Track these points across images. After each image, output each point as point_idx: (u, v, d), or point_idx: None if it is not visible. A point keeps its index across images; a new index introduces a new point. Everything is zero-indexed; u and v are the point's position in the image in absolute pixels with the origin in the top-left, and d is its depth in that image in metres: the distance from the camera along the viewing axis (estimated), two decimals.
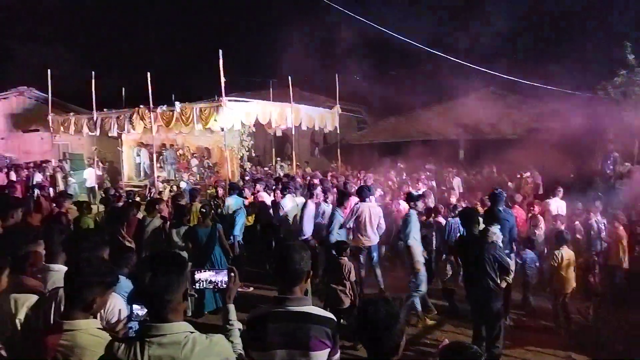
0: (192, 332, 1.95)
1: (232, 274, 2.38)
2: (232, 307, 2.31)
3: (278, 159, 18.84)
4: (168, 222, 7.02)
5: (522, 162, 12.34)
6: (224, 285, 2.34)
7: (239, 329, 2.28)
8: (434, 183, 12.30)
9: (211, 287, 2.32)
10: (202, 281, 2.32)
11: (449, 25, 26.03)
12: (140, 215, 7.66)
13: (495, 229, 5.05)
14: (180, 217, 6.83)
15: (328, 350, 2.26)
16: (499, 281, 4.83)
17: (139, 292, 1.98)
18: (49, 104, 15.92)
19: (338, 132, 16.13)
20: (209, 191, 12.20)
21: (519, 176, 11.93)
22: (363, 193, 7.15)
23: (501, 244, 5.14)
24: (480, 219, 5.25)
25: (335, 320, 2.38)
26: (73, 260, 2.28)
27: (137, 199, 10.48)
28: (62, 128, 15.57)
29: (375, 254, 7.20)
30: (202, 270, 2.36)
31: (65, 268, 3.01)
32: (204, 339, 1.95)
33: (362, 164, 17.09)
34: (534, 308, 6.62)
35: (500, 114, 17.66)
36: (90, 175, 15.62)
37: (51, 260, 3.00)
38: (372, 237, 7.07)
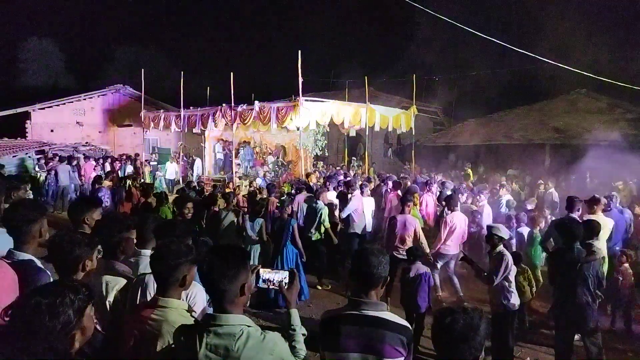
0: (249, 326, 1.99)
1: (293, 276, 2.36)
2: (294, 312, 2.28)
3: (353, 158, 18.82)
4: (242, 215, 7.23)
5: (617, 170, 11.27)
6: (285, 285, 2.33)
7: (303, 334, 2.26)
8: (516, 187, 11.58)
9: (272, 286, 2.32)
10: (266, 280, 2.33)
11: (537, 22, 24.41)
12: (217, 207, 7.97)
13: (598, 242, 4.66)
14: (256, 211, 6.95)
15: (402, 358, 2.23)
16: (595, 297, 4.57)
17: (202, 280, 2.07)
18: (142, 101, 17.20)
19: (413, 133, 15.76)
20: (283, 188, 12.45)
21: (617, 185, 10.85)
22: (452, 202, 6.95)
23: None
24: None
25: (411, 328, 2.34)
26: (162, 245, 2.40)
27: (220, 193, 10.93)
28: (152, 124, 16.73)
29: (452, 262, 6.94)
30: (266, 269, 2.37)
31: None
32: (258, 334, 1.98)
33: (437, 167, 16.57)
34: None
35: (592, 117, 16.25)
36: (171, 169, 16.64)
37: (143, 246, 3.19)
38: (453, 247, 6.86)
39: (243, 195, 10.67)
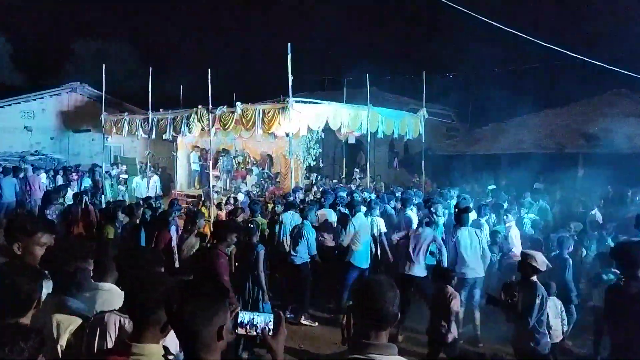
0: None
1: (279, 320, 2.29)
2: None
3: (355, 169, 18.85)
4: (209, 241, 7.10)
5: None
6: (268, 332, 2.26)
7: None
8: (544, 204, 11.63)
9: (253, 333, 2.26)
10: (245, 325, 2.27)
11: (567, 10, 24.84)
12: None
13: None
14: (223, 236, 6.43)
15: None
16: None
17: (168, 322, 2.03)
18: (103, 102, 17.17)
19: (423, 140, 15.85)
20: (269, 205, 12.43)
21: None
22: (463, 218, 7.00)
23: None
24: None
25: None
26: (129, 278, 2.35)
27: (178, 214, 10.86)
28: (114, 129, 16.72)
29: (478, 290, 6.91)
30: (246, 312, 2.31)
31: (116, 287, 3.14)
32: None
33: (451, 179, 16.64)
34: None
35: (634, 121, 16.40)
36: (139, 186, 16.46)
37: (101, 278, 3.14)
38: (473, 269, 6.84)
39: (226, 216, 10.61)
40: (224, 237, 5.85)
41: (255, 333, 2.24)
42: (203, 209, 11.41)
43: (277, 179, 16.82)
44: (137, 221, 8.10)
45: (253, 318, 2.25)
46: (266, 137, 15.57)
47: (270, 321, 2.25)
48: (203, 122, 13.50)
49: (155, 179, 16.90)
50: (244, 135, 15.77)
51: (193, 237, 7.16)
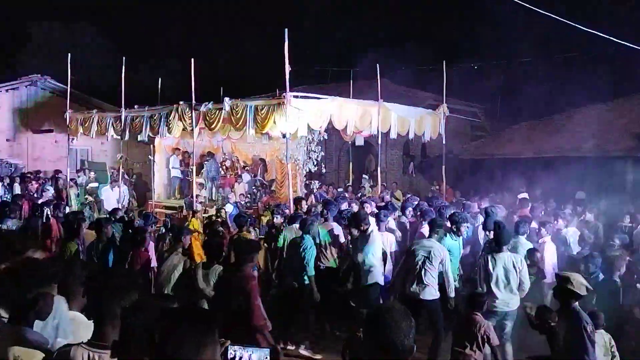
0: None
1: (276, 355, 2.31)
2: None
3: (364, 176, 18.86)
4: (196, 262, 7.10)
5: None
6: None
7: None
8: (591, 217, 11.62)
9: None
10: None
11: None
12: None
13: None
14: (213, 255, 6.61)
15: None
16: None
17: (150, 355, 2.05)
18: (68, 97, 17.24)
19: (444, 142, 15.83)
20: (263, 217, 12.45)
21: None
22: (503, 239, 6.98)
23: None
24: None
25: None
26: (100, 308, 2.35)
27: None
28: (81, 128, 16.77)
29: (509, 323, 6.89)
30: (239, 346, 2.32)
31: (82, 316, 3.15)
32: None
33: (477, 188, 16.62)
34: None
35: None
36: (108, 197, 16.40)
37: (67, 305, 3.14)
38: (510, 301, 6.81)
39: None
40: (250, 258, 5.96)
41: None
42: (194, 222, 11.43)
43: (272, 187, 16.85)
44: (105, 239, 8.08)
45: (247, 353, 2.26)
46: (259, 138, 15.62)
47: (266, 357, 2.25)
48: (185, 120, 13.54)
49: (123, 189, 16.83)
50: (233, 136, 15.81)
51: (175, 257, 7.09)
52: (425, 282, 6.96)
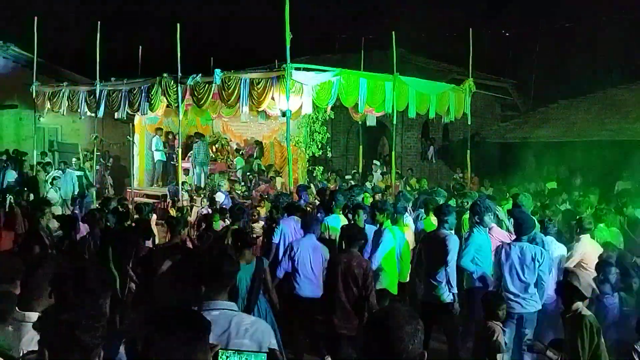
0: None
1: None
2: None
3: (374, 162, 18.80)
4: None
5: None
6: None
7: None
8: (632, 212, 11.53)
9: None
10: None
11: None
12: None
13: None
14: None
15: None
16: None
17: None
18: (34, 68, 17.22)
19: (469, 122, 15.77)
20: (260, 209, 12.45)
21: None
22: (524, 227, 6.96)
23: None
24: None
25: None
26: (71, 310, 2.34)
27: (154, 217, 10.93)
28: (48, 104, 16.76)
29: (529, 330, 6.87)
30: (231, 354, 2.33)
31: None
32: None
33: (507, 176, 16.57)
34: None
35: None
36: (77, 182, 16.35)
37: (28, 306, 3.14)
38: (525, 299, 6.79)
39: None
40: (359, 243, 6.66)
41: None
42: (195, 208, 11.50)
43: (269, 174, 16.86)
44: (99, 232, 8.15)
45: (239, 359, 2.26)
46: (255, 117, 15.58)
47: None
48: (169, 96, 13.53)
49: (73, 175, 16.55)
50: (225, 114, 15.78)
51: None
52: (437, 282, 6.99)
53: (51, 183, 15.01)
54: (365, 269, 6.79)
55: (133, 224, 9.00)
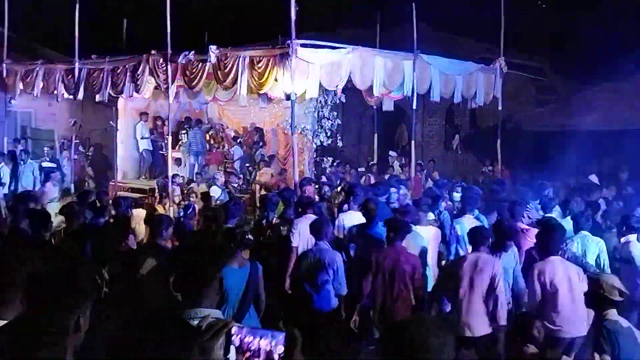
0: None
1: (293, 341, 2.32)
2: None
3: (390, 152, 18.77)
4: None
5: None
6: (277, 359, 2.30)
7: None
8: None
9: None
10: (242, 348, 2.30)
11: None
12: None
13: None
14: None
15: None
16: None
17: None
18: (4, 43, 17.25)
19: (500, 107, 15.73)
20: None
21: None
22: (551, 244, 6.95)
23: None
24: None
25: None
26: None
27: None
28: (21, 85, 16.76)
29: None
30: (245, 332, 2.33)
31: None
32: None
33: (544, 169, 16.49)
34: None
35: None
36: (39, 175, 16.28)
37: None
38: (578, 320, 6.74)
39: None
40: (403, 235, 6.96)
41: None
42: (160, 210, 11.49)
43: (271, 165, 16.86)
44: (77, 227, 8.18)
45: (254, 339, 2.28)
46: (255, 100, 15.56)
47: (279, 344, 2.27)
48: (158, 76, 13.54)
49: (35, 166, 16.41)
50: (221, 97, 15.78)
51: (150, 259, 7.14)
52: (473, 311, 6.89)
53: None
54: (414, 265, 6.83)
55: (111, 220, 9.06)
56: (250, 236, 6.88)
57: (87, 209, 9.27)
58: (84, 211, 8.92)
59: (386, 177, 15.87)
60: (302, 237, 8.36)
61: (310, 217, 8.50)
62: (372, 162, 17.99)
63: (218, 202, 12.68)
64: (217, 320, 2.25)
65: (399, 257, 6.97)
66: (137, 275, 7.07)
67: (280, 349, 2.28)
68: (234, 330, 2.30)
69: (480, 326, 6.80)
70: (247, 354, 2.29)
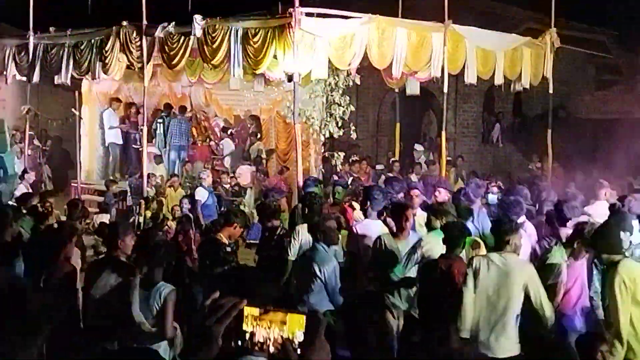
0: None
1: (316, 323, 2.33)
2: None
3: (416, 146, 18.76)
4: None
5: None
6: (296, 347, 2.31)
7: None
8: None
9: (270, 348, 2.31)
10: (253, 335, 2.32)
11: None
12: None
13: None
14: (153, 264, 6.98)
15: None
16: None
17: None
18: None
19: (550, 90, 15.73)
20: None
21: None
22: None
23: None
24: None
25: None
26: None
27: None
28: None
29: None
30: (255, 308, 2.35)
31: None
32: None
33: (605, 166, 16.48)
34: None
35: None
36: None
37: None
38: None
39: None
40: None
41: (272, 348, 2.32)
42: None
43: (268, 161, 16.91)
44: (9, 239, 8.22)
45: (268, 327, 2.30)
46: (249, 82, 15.60)
47: (299, 328, 2.29)
48: (131, 52, 13.59)
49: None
50: (208, 78, 15.83)
51: (113, 274, 7.19)
52: (500, 329, 6.95)
53: None
54: None
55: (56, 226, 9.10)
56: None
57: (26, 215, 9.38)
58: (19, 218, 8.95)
59: (413, 177, 15.86)
60: (302, 247, 8.44)
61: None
62: (393, 159, 18.00)
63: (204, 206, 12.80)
64: (225, 300, 2.26)
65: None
66: (88, 294, 7.16)
67: (301, 334, 2.29)
68: (247, 310, 2.32)
69: None
70: (257, 347, 2.31)
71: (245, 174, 16.25)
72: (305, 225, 8.63)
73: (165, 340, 6.76)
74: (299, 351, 2.27)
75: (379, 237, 8.34)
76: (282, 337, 2.30)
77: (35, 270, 7.49)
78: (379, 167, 17.77)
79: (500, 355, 6.78)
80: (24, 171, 15.79)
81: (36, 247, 8.08)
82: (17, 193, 13.30)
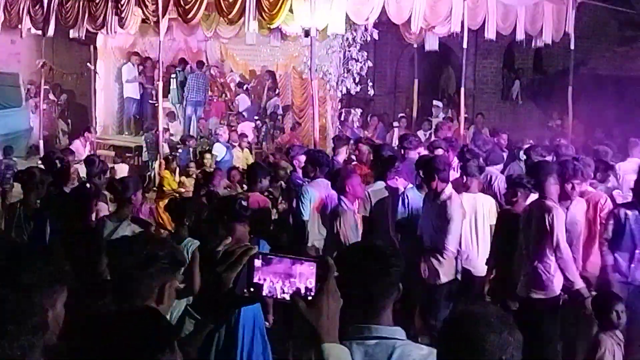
0: None
1: (326, 269, 2.35)
2: (332, 348, 2.25)
3: (435, 102, 18.72)
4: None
5: None
6: (307, 293, 2.33)
7: None
8: None
9: (281, 296, 2.34)
10: (266, 281, 2.34)
11: None
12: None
13: None
14: (178, 219, 7.22)
15: None
16: None
17: None
18: None
19: (572, 46, 15.61)
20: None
21: None
22: None
23: None
24: None
25: None
26: None
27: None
28: None
29: None
30: (270, 258, 2.38)
31: None
32: None
33: (629, 125, 16.40)
34: None
35: None
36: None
37: None
38: None
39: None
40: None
41: (282, 295, 2.35)
42: (167, 175, 11.66)
43: (285, 118, 16.90)
44: (36, 201, 8.28)
45: (280, 273, 2.32)
46: (266, 37, 15.56)
47: (311, 272, 2.32)
48: (146, 6, 13.56)
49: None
50: (224, 33, 15.79)
51: (127, 225, 7.26)
52: (530, 269, 7.00)
53: None
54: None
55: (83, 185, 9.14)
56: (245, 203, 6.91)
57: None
58: (47, 180, 8.96)
59: (425, 133, 15.82)
60: (312, 202, 8.42)
61: (322, 182, 8.55)
62: (401, 115, 17.95)
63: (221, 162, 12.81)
64: (235, 246, 2.28)
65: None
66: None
67: (312, 280, 2.30)
68: (257, 262, 2.33)
69: None
70: (270, 291, 2.33)
71: (247, 130, 16.22)
72: (316, 181, 8.68)
73: (193, 295, 6.83)
74: (309, 298, 2.29)
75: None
76: (291, 283, 2.32)
77: (64, 229, 7.56)
78: (395, 124, 17.69)
79: None
80: None
81: (63, 206, 8.12)
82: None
